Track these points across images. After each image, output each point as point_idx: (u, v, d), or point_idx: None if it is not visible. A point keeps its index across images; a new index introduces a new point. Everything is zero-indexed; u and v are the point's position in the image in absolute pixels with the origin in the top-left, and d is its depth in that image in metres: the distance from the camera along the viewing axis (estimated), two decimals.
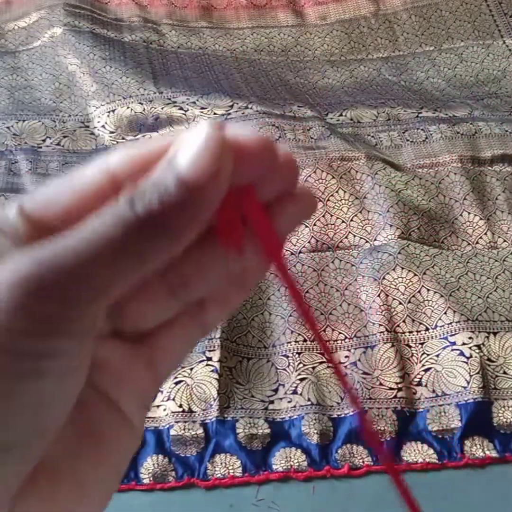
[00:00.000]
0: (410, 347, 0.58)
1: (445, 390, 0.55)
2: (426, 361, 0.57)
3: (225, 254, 0.18)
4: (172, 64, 0.91)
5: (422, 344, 0.58)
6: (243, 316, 0.61)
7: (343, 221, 0.68)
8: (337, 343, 0.59)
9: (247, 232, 0.17)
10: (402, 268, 0.62)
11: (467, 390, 0.55)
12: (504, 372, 0.56)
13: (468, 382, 0.55)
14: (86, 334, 0.15)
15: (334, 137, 0.75)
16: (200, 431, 0.54)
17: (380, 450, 0.17)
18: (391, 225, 0.66)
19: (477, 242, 0.67)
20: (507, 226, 0.68)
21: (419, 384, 0.56)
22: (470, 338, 0.57)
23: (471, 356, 0.56)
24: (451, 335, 0.58)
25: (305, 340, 0.59)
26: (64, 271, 0.14)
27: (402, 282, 0.62)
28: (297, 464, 0.53)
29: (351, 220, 0.68)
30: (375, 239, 0.67)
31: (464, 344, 0.57)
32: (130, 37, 0.93)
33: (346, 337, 0.59)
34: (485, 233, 0.68)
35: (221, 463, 0.53)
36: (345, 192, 0.70)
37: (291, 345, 0.58)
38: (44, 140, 0.79)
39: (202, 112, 0.80)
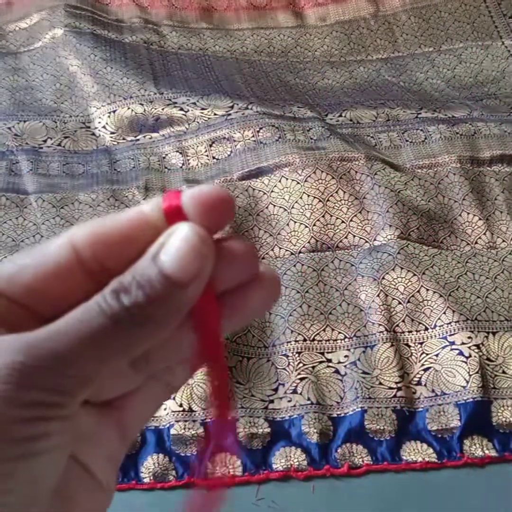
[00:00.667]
0: (409, 346, 0.58)
1: (444, 390, 0.56)
2: (426, 361, 0.57)
3: (190, 335, 0.18)
4: (173, 65, 0.91)
5: (421, 343, 0.58)
6: None
7: (342, 221, 0.68)
8: (337, 343, 0.59)
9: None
10: (402, 268, 0.62)
11: (467, 390, 0.55)
12: (503, 372, 0.56)
13: (467, 382, 0.55)
14: (74, 415, 0.16)
15: (333, 138, 0.76)
16: (201, 430, 0.54)
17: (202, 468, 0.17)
18: (390, 225, 0.67)
19: (476, 242, 0.68)
20: (506, 226, 0.69)
21: (419, 383, 0.56)
22: (469, 337, 0.57)
23: (470, 356, 0.56)
24: (450, 335, 0.58)
25: (305, 340, 0.59)
26: (54, 360, 0.15)
27: (401, 282, 0.62)
28: (297, 463, 0.53)
29: (351, 220, 0.68)
30: (374, 239, 0.67)
31: (463, 343, 0.57)
32: (130, 38, 0.93)
33: (345, 337, 0.59)
34: (484, 233, 0.68)
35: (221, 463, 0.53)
36: (344, 192, 0.70)
37: (291, 344, 0.59)
38: (45, 141, 0.80)
39: (202, 113, 0.80)
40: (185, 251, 0.16)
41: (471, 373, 0.55)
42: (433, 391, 0.56)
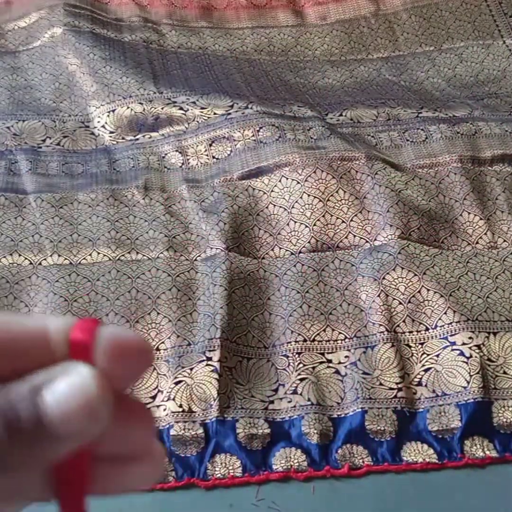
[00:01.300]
0: (410, 347, 0.58)
1: (445, 390, 0.55)
2: (426, 361, 0.57)
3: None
4: (172, 64, 0.91)
5: (422, 344, 0.58)
6: (243, 316, 0.61)
7: (343, 221, 0.68)
8: (337, 343, 0.59)
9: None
10: (402, 268, 0.62)
11: (467, 390, 0.55)
12: (504, 372, 0.56)
13: (468, 382, 0.55)
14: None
15: (334, 137, 0.75)
16: (200, 431, 0.54)
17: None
18: (391, 225, 0.66)
19: (477, 242, 0.67)
20: (507, 226, 0.68)
21: (419, 384, 0.56)
22: (470, 338, 0.57)
23: (471, 356, 0.56)
24: (451, 335, 0.58)
25: (305, 340, 0.59)
26: None
27: (402, 282, 0.62)
28: (297, 464, 0.53)
29: (351, 220, 0.68)
30: (375, 239, 0.67)
31: (464, 344, 0.57)
32: (130, 37, 0.93)
33: (346, 337, 0.59)
34: (485, 233, 0.68)
35: (221, 463, 0.53)
36: (345, 192, 0.70)
37: (291, 345, 0.58)
38: (44, 140, 0.79)
39: (202, 112, 0.80)
40: (74, 404, 0.13)
41: (472, 373, 0.55)
42: (433, 391, 0.56)
